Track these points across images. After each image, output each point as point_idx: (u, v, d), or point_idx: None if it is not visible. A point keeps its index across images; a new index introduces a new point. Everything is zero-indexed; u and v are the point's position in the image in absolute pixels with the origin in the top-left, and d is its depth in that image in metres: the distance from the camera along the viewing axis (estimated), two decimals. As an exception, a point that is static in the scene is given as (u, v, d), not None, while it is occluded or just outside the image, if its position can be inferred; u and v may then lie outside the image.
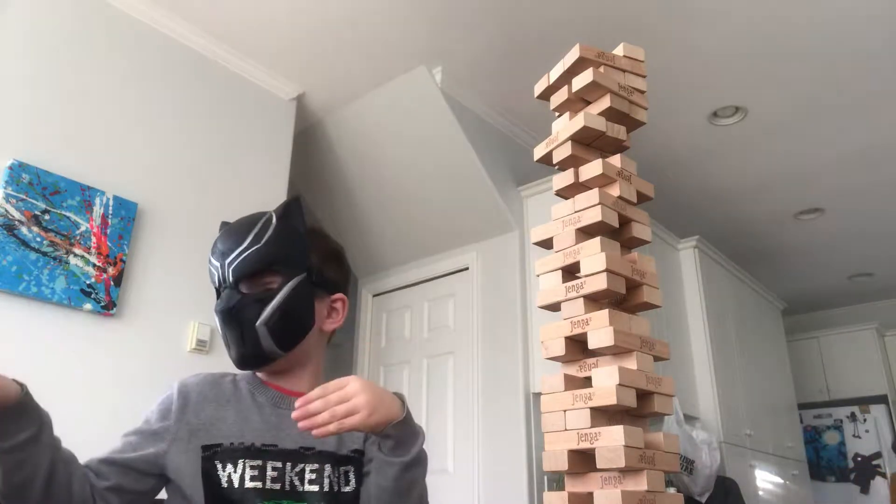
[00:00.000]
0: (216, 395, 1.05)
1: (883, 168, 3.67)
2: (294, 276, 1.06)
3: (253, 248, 1.04)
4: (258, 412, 1.05)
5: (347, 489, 1.05)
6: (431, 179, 3.24)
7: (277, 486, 0.99)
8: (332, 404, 0.90)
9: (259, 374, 1.11)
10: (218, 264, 1.06)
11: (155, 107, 2.54)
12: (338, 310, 1.14)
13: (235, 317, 1.03)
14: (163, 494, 1.04)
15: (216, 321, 1.07)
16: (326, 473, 1.04)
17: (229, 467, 0.98)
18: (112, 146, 2.37)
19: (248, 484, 0.97)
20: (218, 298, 1.07)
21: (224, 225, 1.15)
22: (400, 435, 0.96)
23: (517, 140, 3.42)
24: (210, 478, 0.97)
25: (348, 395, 0.91)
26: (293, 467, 1.02)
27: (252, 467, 0.99)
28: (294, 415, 0.89)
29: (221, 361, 2.45)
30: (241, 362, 1.07)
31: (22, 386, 0.85)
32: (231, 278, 1.04)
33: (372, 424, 0.92)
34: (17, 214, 2.03)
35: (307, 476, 1.02)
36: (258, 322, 1.03)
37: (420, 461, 1.01)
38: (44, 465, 0.86)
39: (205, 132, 2.69)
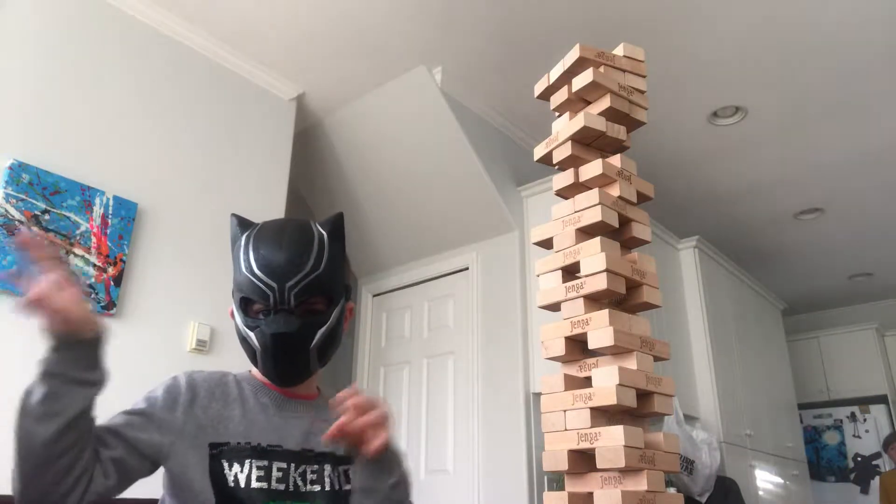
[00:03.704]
0: (223, 393, 1.06)
1: (883, 169, 3.67)
2: (340, 299, 1.09)
3: (315, 274, 1.03)
4: (263, 413, 1.06)
5: (347, 487, 1.07)
6: (431, 179, 3.24)
7: (282, 487, 1.01)
8: (371, 421, 0.92)
9: (258, 376, 1.11)
10: (274, 285, 1.01)
11: (155, 107, 2.54)
12: (347, 316, 1.15)
13: (291, 340, 1.02)
14: (158, 493, 1.04)
15: (255, 337, 1.03)
16: (326, 473, 1.06)
17: (236, 466, 0.99)
18: (112, 146, 2.37)
19: (255, 484, 0.99)
20: (265, 316, 1.03)
21: (242, 220, 1.11)
22: (389, 457, 0.99)
23: (517, 140, 3.42)
24: (217, 476, 0.98)
25: (381, 418, 0.94)
26: (297, 468, 1.03)
27: (258, 468, 1.00)
28: (338, 408, 0.91)
29: (221, 361, 2.46)
30: (285, 381, 1.07)
31: (104, 331, 0.91)
32: (293, 303, 1.01)
33: (381, 453, 0.94)
34: (17, 214, 2.03)
35: (309, 476, 1.04)
36: (311, 346, 1.04)
37: (401, 482, 1.03)
38: (69, 412, 0.84)
39: (205, 132, 2.69)
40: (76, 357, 0.86)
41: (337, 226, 1.11)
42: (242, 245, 1.06)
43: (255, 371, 1.11)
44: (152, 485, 1.05)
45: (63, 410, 0.84)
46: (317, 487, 1.04)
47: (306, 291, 1.02)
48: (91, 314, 0.87)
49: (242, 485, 0.98)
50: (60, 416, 0.83)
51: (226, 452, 1.00)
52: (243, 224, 1.11)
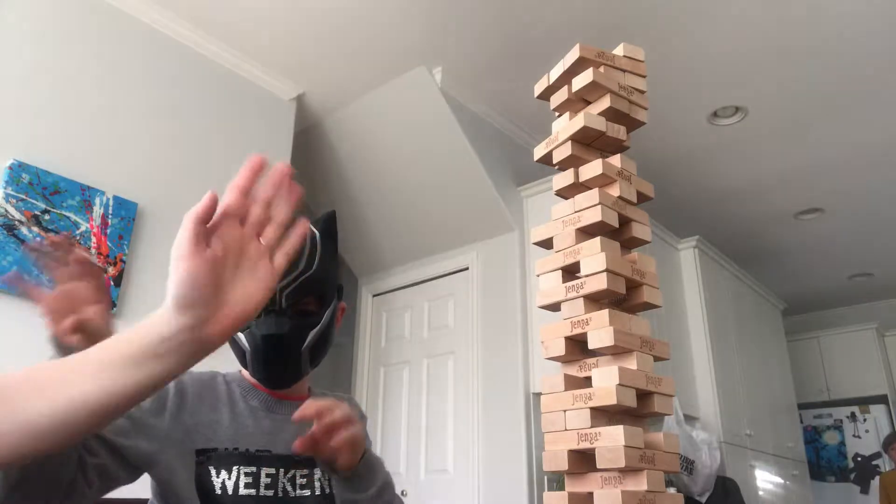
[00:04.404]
0: (211, 396, 1.03)
1: (883, 168, 3.67)
2: (332, 299, 1.07)
3: (307, 274, 1.01)
4: (252, 416, 1.04)
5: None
6: (431, 179, 3.24)
7: (270, 493, 0.98)
8: (334, 412, 0.89)
9: (248, 376, 1.08)
10: None
11: (155, 107, 2.54)
12: (338, 316, 1.13)
13: (282, 342, 1.00)
14: (146, 493, 1.03)
15: (244, 339, 1.01)
16: (317, 477, 1.04)
17: (223, 473, 0.96)
18: (112, 146, 2.37)
19: (242, 491, 0.96)
20: (256, 317, 1.01)
21: None
22: (366, 467, 0.97)
23: (517, 140, 3.42)
24: (203, 484, 0.95)
25: (344, 407, 0.91)
26: (286, 473, 1.01)
27: (246, 474, 0.98)
28: (297, 416, 0.87)
29: (220, 361, 2.45)
30: (276, 383, 1.04)
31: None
32: (284, 304, 1.00)
33: (360, 446, 0.93)
34: (17, 214, 2.03)
35: (298, 481, 1.02)
36: (303, 347, 1.02)
37: (386, 487, 1.01)
38: None
39: (205, 132, 2.69)
40: None
41: (329, 224, 1.09)
42: None
43: (245, 372, 1.08)
44: (147, 485, 1.04)
45: None
46: (307, 492, 1.02)
47: (298, 292, 1.00)
48: (110, 331, 0.83)
49: (230, 492, 0.95)
50: None
51: (213, 459, 0.97)
52: None
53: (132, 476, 0.95)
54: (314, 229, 1.07)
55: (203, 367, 1.14)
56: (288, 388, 1.07)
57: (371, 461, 0.98)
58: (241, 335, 1.01)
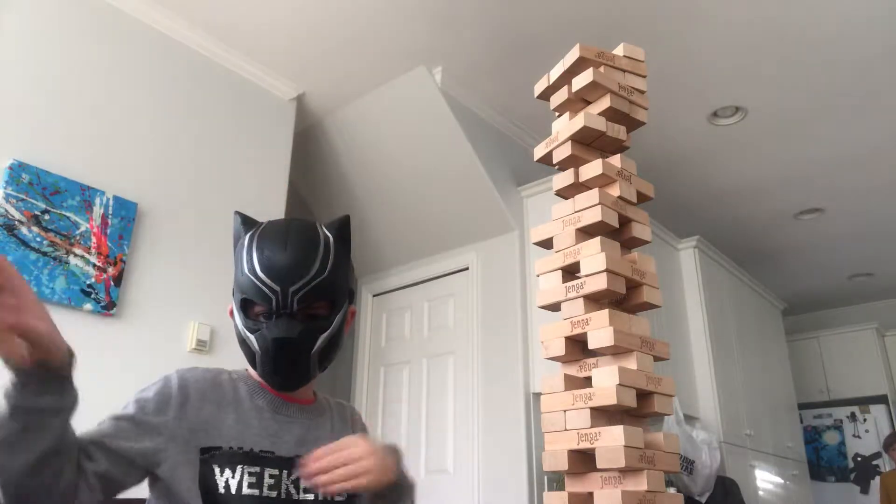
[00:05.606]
0: (216, 395, 1.02)
1: (883, 168, 3.67)
2: (343, 303, 1.06)
3: (321, 278, 1.00)
4: (257, 417, 1.03)
5: (340, 498, 1.05)
6: (431, 179, 3.24)
7: (274, 494, 0.98)
8: (341, 462, 0.91)
9: (254, 376, 1.08)
10: (277, 288, 0.98)
11: (155, 107, 2.54)
12: (348, 320, 1.12)
13: (292, 346, 0.99)
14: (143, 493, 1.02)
15: (255, 340, 1.01)
16: None
17: (227, 472, 0.96)
18: (112, 146, 2.37)
19: (245, 491, 0.96)
20: (266, 319, 1.00)
21: (245, 219, 1.09)
22: (394, 496, 0.99)
23: (517, 140, 3.42)
24: (207, 482, 0.95)
25: (356, 455, 0.92)
26: (289, 475, 1.01)
27: (250, 474, 0.97)
28: (304, 472, 0.91)
29: (221, 361, 2.45)
30: (284, 386, 1.04)
31: (72, 356, 0.82)
32: (296, 307, 0.99)
33: (378, 486, 0.94)
34: (17, 214, 2.03)
35: (302, 484, 1.01)
36: (313, 351, 1.01)
37: None
38: (46, 442, 0.79)
39: (205, 132, 2.69)
40: (49, 389, 0.78)
41: (343, 228, 1.09)
42: (245, 245, 1.03)
43: (252, 371, 1.08)
44: (143, 486, 1.04)
45: (39, 442, 0.78)
46: (310, 496, 1.01)
47: (310, 296, 0.99)
48: (57, 332, 0.79)
49: (233, 491, 0.95)
50: (37, 448, 0.78)
51: (217, 457, 0.97)
52: (247, 223, 1.08)
53: (139, 477, 0.95)
54: (328, 232, 1.06)
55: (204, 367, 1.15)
56: (296, 390, 1.07)
57: (400, 483, 0.99)
58: (251, 336, 1.01)
